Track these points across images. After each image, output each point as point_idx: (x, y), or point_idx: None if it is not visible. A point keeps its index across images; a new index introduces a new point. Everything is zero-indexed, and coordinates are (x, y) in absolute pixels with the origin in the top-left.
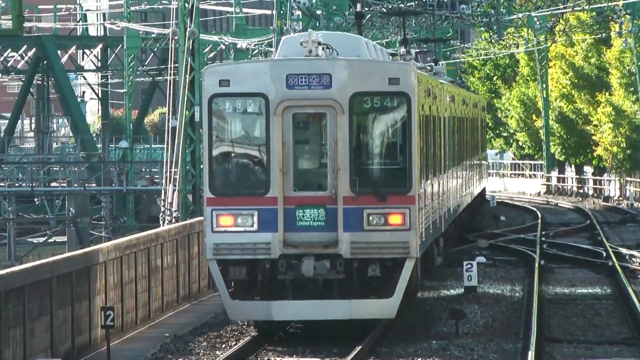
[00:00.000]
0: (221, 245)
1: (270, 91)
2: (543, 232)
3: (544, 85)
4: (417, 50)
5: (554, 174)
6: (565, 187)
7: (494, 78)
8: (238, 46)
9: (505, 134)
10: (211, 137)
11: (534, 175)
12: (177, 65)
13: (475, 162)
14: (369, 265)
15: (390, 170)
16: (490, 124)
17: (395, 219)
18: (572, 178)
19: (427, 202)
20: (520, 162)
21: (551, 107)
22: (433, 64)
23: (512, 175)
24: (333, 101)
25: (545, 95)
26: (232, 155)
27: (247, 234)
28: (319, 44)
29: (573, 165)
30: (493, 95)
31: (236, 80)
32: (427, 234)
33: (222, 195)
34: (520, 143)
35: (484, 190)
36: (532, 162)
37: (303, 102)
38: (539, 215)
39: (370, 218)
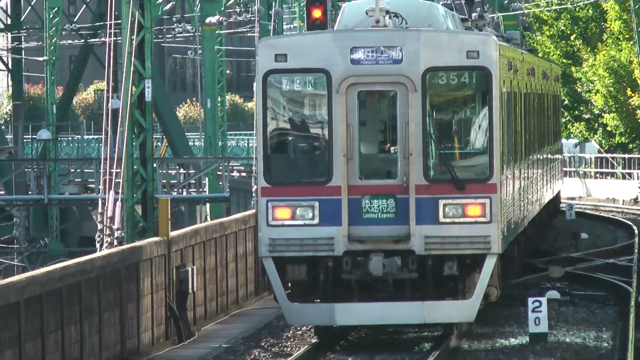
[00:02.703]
0: (277, 241)
1: (332, 66)
2: None
3: None
4: None
5: None
6: None
7: (572, 37)
8: None
9: (587, 116)
10: (266, 119)
11: (629, 175)
12: (119, 22)
13: (547, 155)
14: (445, 262)
15: (468, 155)
16: (566, 102)
17: (474, 210)
18: None
19: (509, 192)
20: (609, 155)
21: None
22: (477, 16)
23: (598, 175)
24: (404, 77)
25: None
26: (290, 139)
27: (306, 228)
28: (387, 12)
29: None
30: (570, 61)
31: (294, 55)
32: (509, 229)
33: (279, 184)
34: (608, 129)
35: (557, 196)
36: (626, 155)
37: (370, 79)
38: (636, 232)
39: (447, 209)
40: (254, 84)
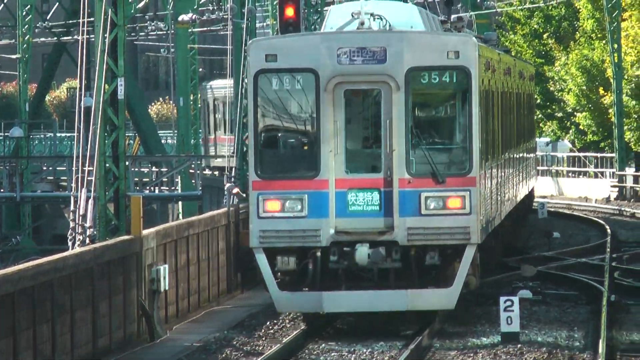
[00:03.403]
0: (268, 233)
1: (320, 66)
2: (614, 255)
3: (615, 46)
4: None
5: (630, 171)
6: None
7: (544, 36)
8: None
9: (559, 115)
10: (257, 116)
11: (601, 173)
12: (92, 19)
13: (522, 153)
14: (427, 252)
15: (449, 150)
16: (538, 101)
17: (454, 203)
18: None
19: (487, 186)
20: (581, 154)
21: (625, 77)
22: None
23: (570, 174)
24: (388, 77)
25: (616, 60)
26: (280, 135)
27: (295, 220)
28: (372, 14)
29: None
30: (543, 60)
31: (284, 55)
32: (487, 221)
33: (269, 178)
34: (581, 127)
35: (531, 194)
36: (599, 154)
37: (356, 78)
38: (609, 231)
39: (428, 202)
40: (245, 82)
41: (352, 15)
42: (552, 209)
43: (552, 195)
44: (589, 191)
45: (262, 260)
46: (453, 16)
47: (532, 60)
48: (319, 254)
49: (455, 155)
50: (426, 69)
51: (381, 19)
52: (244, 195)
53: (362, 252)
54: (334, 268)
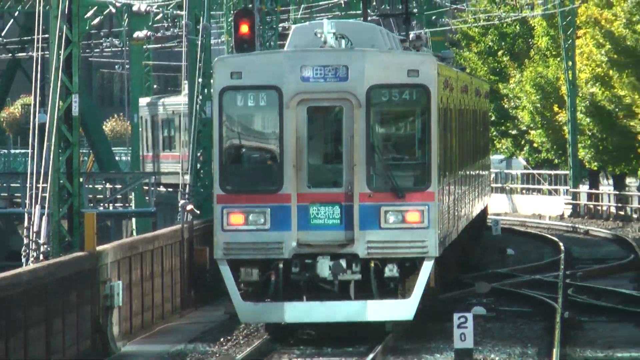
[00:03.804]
0: (232, 245)
1: (284, 84)
2: (568, 272)
3: (570, 63)
4: (391, 14)
5: (584, 188)
6: (600, 207)
7: (499, 53)
8: (134, 8)
9: (514, 132)
10: (222, 132)
11: (555, 191)
12: (46, 36)
13: (478, 169)
14: (386, 264)
15: (408, 166)
16: (493, 118)
17: (413, 217)
18: (609, 195)
19: (445, 201)
20: (535, 172)
21: (579, 94)
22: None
23: (524, 191)
24: (349, 94)
25: (571, 78)
26: (244, 150)
27: (259, 233)
28: (334, 34)
29: (611, 177)
30: (497, 77)
31: (248, 72)
32: (444, 235)
33: (233, 192)
34: (535, 145)
35: (485, 211)
36: (553, 172)
37: (318, 95)
38: (562, 248)
39: (388, 216)
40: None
41: (316, 34)
42: (506, 226)
43: (506, 213)
44: (543, 208)
45: (226, 271)
46: (411, 34)
47: (486, 77)
48: (281, 265)
49: (414, 170)
50: (387, 86)
51: (343, 38)
52: (198, 212)
53: (324, 265)
54: (296, 280)
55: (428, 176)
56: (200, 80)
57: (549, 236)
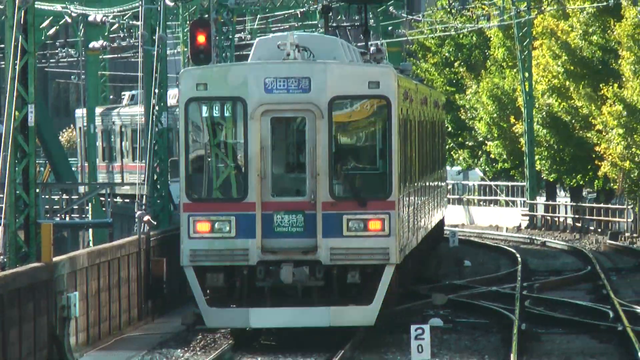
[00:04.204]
0: (198, 252)
1: (248, 95)
2: (525, 284)
3: (527, 75)
4: (348, 25)
5: (541, 200)
6: (557, 219)
7: (455, 64)
8: (90, 18)
9: (470, 144)
10: (187, 142)
11: (512, 202)
12: (2, 46)
13: (436, 180)
14: (348, 271)
15: (370, 175)
16: (449, 130)
17: (375, 225)
18: (566, 206)
19: (405, 210)
20: (492, 183)
21: (536, 105)
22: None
23: (481, 203)
24: (312, 105)
25: (527, 89)
26: (209, 159)
27: (224, 240)
28: (297, 46)
29: (567, 188)
30: (454, 88)
31: (213, 84)
32: (405, 243)
33: (199, 200)
34: (492, 156)
35: (442, 222)
36: (510, 183)
37: (281, 106)
38: (519, 260)
39: (350, 224)
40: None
41: (279, 47)
42: (464, 238)
43: (463, 224)
44: (500, 220)
45: (192, 277)
46: (372, 47)
47: (443, 88)
48: (246, 272)
49: (375, 179)
50: (348, 97)
51: (306, 51)
52: (155, 223)
53: (287, 271)
54: (260, 286)
55: (389, 185)
56: (156, 90)
57: (506, 248)
